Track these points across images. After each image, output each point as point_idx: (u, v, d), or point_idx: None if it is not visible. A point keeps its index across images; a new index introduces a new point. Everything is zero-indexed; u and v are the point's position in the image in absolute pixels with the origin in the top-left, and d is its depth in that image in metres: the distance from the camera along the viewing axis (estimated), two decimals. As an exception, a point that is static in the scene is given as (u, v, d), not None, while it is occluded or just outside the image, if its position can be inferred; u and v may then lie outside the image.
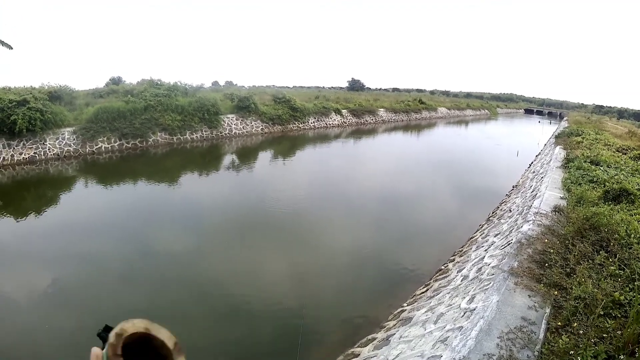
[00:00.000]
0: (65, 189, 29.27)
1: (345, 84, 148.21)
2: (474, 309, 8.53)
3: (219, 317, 13.27)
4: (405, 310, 12.65)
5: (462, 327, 8.07)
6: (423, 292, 13.79)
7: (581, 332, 6.74)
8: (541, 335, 6.96)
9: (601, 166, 21.04)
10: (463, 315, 8.78)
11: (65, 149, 38.65)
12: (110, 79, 67.51)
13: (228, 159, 42.04)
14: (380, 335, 11.25)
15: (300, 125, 65.19)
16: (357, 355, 10.52)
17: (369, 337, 11.54)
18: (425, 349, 8.21)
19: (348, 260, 17.87)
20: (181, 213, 23.60)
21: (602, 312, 7.08)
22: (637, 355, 6.23)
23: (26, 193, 28.78)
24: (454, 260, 16.33)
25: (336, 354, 11.14)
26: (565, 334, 6.73)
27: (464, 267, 13.68)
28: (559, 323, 7.24)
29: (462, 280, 12.21)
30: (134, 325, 1.67)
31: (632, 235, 10.57)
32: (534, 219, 13.06)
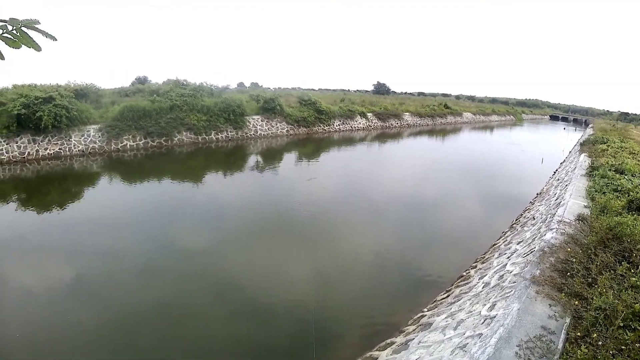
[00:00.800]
0: (90, 184, 29.62)
1: (370, 87, 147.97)
2: (494, 317, 8.48)
3: (238, 315, 13.28)
4: (426, 315, 12.61)
5: (481, 334, 8.04)
6: (444, 298, 13.74)
7: (600, 343, 6.64)
8: (560, 346, 6.89)
9: (626, 175, 20.70)
10: (483, 322, 8.74)
11: (91, 145, 39.24)
12: (136, 79, 68.24)
13: (253, 159, 42.18)
14: (400, 339, 11.23)
15: (326, 128, 65.27)
16: (375, 359, 10.51)
17: (388, 341, 11.52)
18: (444, 355, 8.19)
19: (370, 263, 17.85)
20: (204, 212, 23.69)
21: (621, 324, 6.96)
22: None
23: (50, 187, 29.13)
24: (476, 266, 16.24)
25: (354, 356, 11.13)
26: (584, 345, 6.65)
27: (486, 274, 13.61)
28: (579, 333, 7.16)
29: (483, 287, 12.14)
30: None
31: (655, 247, 10.31)
32: (557, 227, 12.91)
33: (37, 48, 2.18)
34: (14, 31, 2.03)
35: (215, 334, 12.36)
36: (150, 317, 12.97)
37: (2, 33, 1.99)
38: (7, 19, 2.00)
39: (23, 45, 2.11)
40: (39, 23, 2.07)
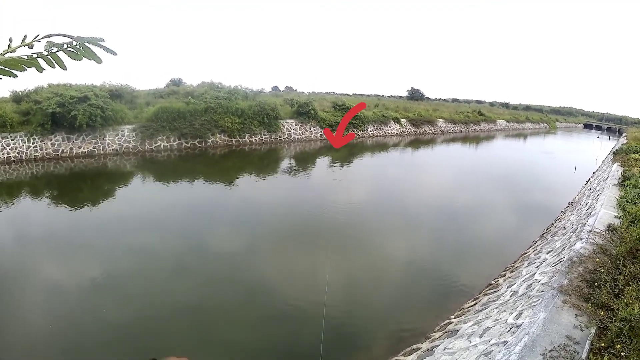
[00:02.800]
0: (122, 183, 30.10)
1: (404, 93, 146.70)
2: (520, 325, 8.43)
3: (264, 317, 13.32)
4: (452, 322, 12.56)
5: (506, 342, 7.99)
6: (471, 306, 13.68)
7: (623, 354, 6.55)
8: (584, 356, 6.79)
9: (658, 185, 20.34)
10: (509, 331, 8.69)
11: (125, 145, 39.93)
12: (170, 80, 68.36)
13: (286, 163, 42.27)
14: (425, 345, 11.20)
15: (359, 133, 65.04)
16: (400, 364, 10.51)
17: (414, 346, 11.49)
18: (468, 362, 8.15)
19: (399, 268, 17.86)
20: (235, 214, 23.89)
21: (646, 336, 6.91)
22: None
23: (82, 185, 29.64)
24: (504, 275, 16.14)
25: (380, 361, 11.07)
26: (607, 356, 6.58)
27: (514, 283, 13.51)
28: (603, 344, 7.02)
29: (511, 296, 12.06)
30: None
31: (684, 259, 10.16)
32: (587, 237, 12.73)
33: (98, 61, 2.28)
34: (78, 46, 2.13)
35: (243, 337, 12.40)
36: (177, 317, 13.03)
37: (67, 47, 2.10)
38: (74, 35, 2.12)
39: (84, 58, 2.22)
40: (103, 41, 2.17)
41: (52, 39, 2.05)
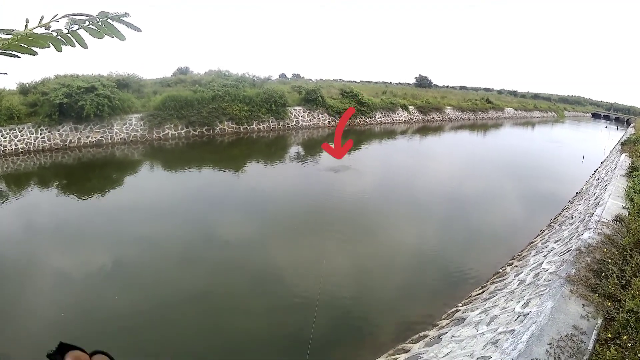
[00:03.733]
0: (131, 172, 30.33)
1: (412, 80, 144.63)
2: (528, 314, 8.46)
3: (270, 303, 13.40)
4: (460, 310, 12.62)
5: (514, 330, 8.03)
6: (479, 294, 13.74)
7: (629, 345, 6.61)
8: (590, 346, 6.84)
9: (666, 176, 20.24)
10: (516, 319, 8.72)
11: (132, 134, 40.10)
12: (177, 69, 68.20)
13: (294, 150, 42.47)
14: (433, 333, 11.28)
15: (367, 120, 65.24)
16: (408, 351, 10.54)
17: (421, 334, 11.58)
18: (476, 350, 8.23)
19: (407, 257, 17.92)
20: (243, 201, 23.99)
21: (652, 327, 6.93)
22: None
23: (91, 174, 29.81)
24: (512, 264, 16.18)
25: (387, 348, 11.21)
26: (614, 347, 6.61)
27: (522, 272, 13.54)
28: (609, 335, 7.10)
29: (518, 285, 12.10)
30: None
31: (691, 250, 10.13)
32: (595, 227, 12.78)
33: (122, 37, 2.26)
34: (100, 23, 2.13)
35: (248, 323, 12.47)
36: (185, 305, 13.11)
37: (88, 24, 2.09)
38: (93, 16, 2.11)
39: (106, 35, 2.21)
40: (129, 16, 2.15)
41: (72, 17, 2.05)
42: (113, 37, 2.19)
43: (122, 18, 2.13)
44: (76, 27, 2.06)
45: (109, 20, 2.11)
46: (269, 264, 16.31)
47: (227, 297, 13.82)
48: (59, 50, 2.12)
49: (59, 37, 2.07)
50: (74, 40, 2.11)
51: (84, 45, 2.15)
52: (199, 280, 14.70)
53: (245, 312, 12.98)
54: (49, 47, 2.07)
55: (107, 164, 32.81)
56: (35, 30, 1.99)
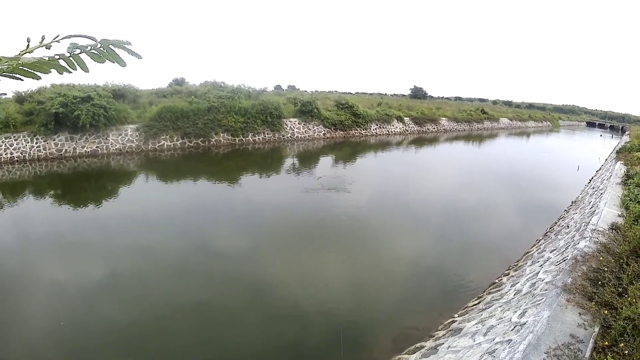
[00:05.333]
0: (126, 182, 30.26)
1: (407, 92, 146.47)
2: (524, 323, 8.45)
3: (266, 315, 13.33)
4: (456, 321, 12.60)
5: (510, 340, 8.03)
6: (475, 304, 13.71)
7: (627, 352, 6.59)
8: (587, 354, 6.82)
9: (661, 184, 20.23)
10: (513, 329, 8.73)
11: (128, 144, 40.19)
12: (173, 80, 68.58)
13: (289, 162, 42.29)
14: (429, 344, 11.23)
15: (362, 132, 65.28)
16: (403, 362, 10.54)
17: (417, 345, 11.53)
18: (473, 360, 8.19)
19: (403, 267, 17.89)
20: (239, 213, 23.90)
21: (649, 335, 6.93)
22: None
23: (86, 184, 29.83)
24: (508, 274, 16.15)
25: (384, 358, 11.20)
26: (611, 354, 6.60)
27: (518, 282, 13.54)
28: (606, 343, 7.06)
29: (515, 295, 12.10)
30: None
31: (688, 258, 10.14)
32: (591, 235, 12.76)
33: (122, 64, 2.28)
34: (101, 48, 2.13)
35: (244, 335, 12.44)
36: (182, 317, 13.09)
37: (90, 49, 2.10)
38: (96, 37, 2.12)
39: (107, 61, 2.22)
40: (130, 44, 2.17)
41: (74, 40, 2.06)
42: (114, 63, 2.20)
43: (124, 45, 2.14)
44: (78, 51, 2.07)
45: (110, 46, 2.12)
46: (265, 276, 16.26)
47: (223, 309, 13.78)
48: (60, 73, 2.14)
49: (61, 61, 2.08)
50: (76, 64, 2.12)
51: (85, 69, 2.17)
52: (194, 292, 14.66)
53: (241, 324, 12.94)
54: (51, 72, 2.09)
55: (103, 174, 32.80)
56: (36, 51, 2.00)
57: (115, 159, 37.28)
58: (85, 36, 2.09)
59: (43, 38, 2.02)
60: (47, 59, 2.01)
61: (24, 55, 1.98)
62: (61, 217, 22.18)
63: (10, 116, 34.49)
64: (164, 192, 28.40)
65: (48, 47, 2.01)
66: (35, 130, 35.12)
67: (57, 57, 2.04)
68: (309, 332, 12.66)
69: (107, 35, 2.15)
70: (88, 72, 2.20)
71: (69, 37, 2.05)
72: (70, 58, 2.07)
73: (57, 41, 2.02)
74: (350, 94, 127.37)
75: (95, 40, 2.09)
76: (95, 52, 2.11)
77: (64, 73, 2.15)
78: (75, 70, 2.13)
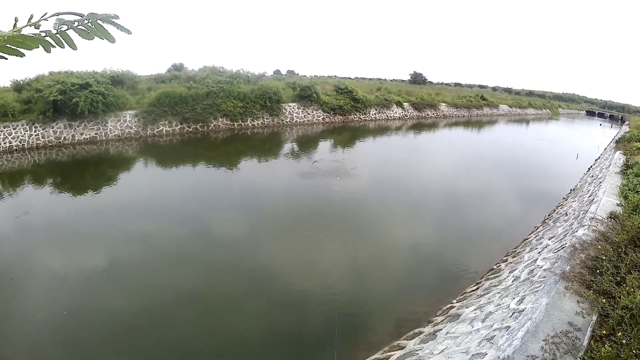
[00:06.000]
0: (125, 169, 30.34)
1: (407, 77, 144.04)
2: (523, 310, 8.49)
3: (266, 301, 13.41)
4: (455, 307, 12.65)
5: (509, 327, 8.06)
6: (473, 290, 13.78)
7: (624, 342, 6.60)
8: (585, 342, 6.85)
9: (660, 174, 20.21)
10: (511, 316, 8.77)
11: (127, 130, 40.21)
12: (172, 65, 68.21)
13: (288, 146, 42.39)
14: (428, 329, 11.30)
15: (362, 116, 65.33)
16: (403, 348, 10.55)
17: (416, 330, 11.60)
18: (471, 346, 8.25)
19: (401, 254, 17.93)
20: (238, 198, 24.01)
21: (647, 324, 6.95)
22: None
23: (85, 171, 29.88)
24: (506, 260, 16.21)
25: (382, 345, 11.22)
26: (609, 343, 6.61)
27: (516, 268, 13.57)
28: (604, 331, 7.12)
29: (513, 281, 12.15)
30: None
31: (686, 248, 10.14)
32: (589, 224, 12.76)
33: (111, 40, 2.25)
34: (89, 24, 2.11)
35: (241, 322, 12.48)
36: (182, 305, 13.12)
37: (78, 25, 2.07)
38: (83, 15, 2.10)
39: (96, 37, 2.19)
40: (118, 18, 2.14)
41: (61, 16, 2.04)
42: (103, 39, 2.18)
43: (112, 20, 2.12)
44: (65, 27, 2.05)
45: (98, 21, 2.09)
46: (264, 263, 16.27)
47: (223, 297, 13.78)
48: (47, 51, 2.10)
49: (48, 38, 2.05)
50: (63, 41, 2.09)
51: (73, 46, 2.13)
52: (194, 280, 14.66)
53: (241, 312, 12.96)
54: (38, 48, 2.05)
55: (102, 161, 32.81)
56: (24, 30, 1.97)
57: (114, 145, 37.25)
58: (74, 13, 2.06)
59: (31, 16, 2.00)
60: (33, 35, 2.00)
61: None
62: (60, 205, 22.21)
63: (9, 105, 34.38)
64: (163, 178, 28.46)
65: (37, 26, 1.99)
66: (33, 119, 34.99)
67: (42, 34, 2.02)
68: (307, 319, 12.73)
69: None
70: (76, 49, 2.17)
71: (57, 14, 2.02)
72: (57, 35, 2.05)
73: (46, 19, 1.99)
74: (350, 79, 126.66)
75: (83, 16, 2.07)
76: (83, 27, 2.08)
77: (52, 51, 2.12)
78: (63, 47, 2.11)
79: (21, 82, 38.93)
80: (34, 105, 35.76)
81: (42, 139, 35.04)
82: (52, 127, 35.84)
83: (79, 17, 2.05)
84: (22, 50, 2.00)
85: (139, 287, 14.11)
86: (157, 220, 19.94)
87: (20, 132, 34.29)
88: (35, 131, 34.97)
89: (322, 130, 54.15)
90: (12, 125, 34.07)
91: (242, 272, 15.36)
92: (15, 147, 33.54)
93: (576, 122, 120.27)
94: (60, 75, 38.58)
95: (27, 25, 1.97)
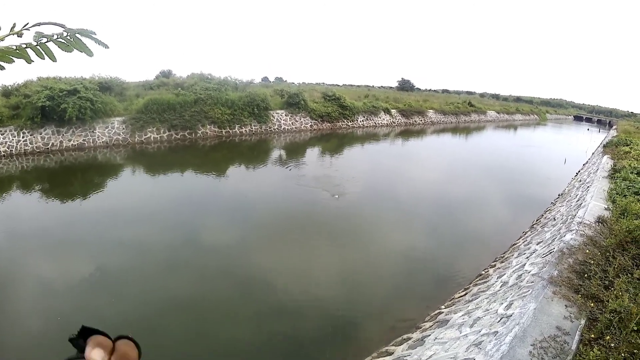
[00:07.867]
0: (112, 176, 30.12)
1: (394, 84, 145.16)
2: (511, 315, 8.52)
3: (257, 308, 13.32)
4: (443, 312, 12.67)
5: (497, 332, 8.09)
6: (461, 296, 13.80)
7: (613, 345, 6.67)
8: (574, 347, 6.89)
9: (647, 178, 20.32)
10: (499, 321, 8.79)
11: (115, 137, 40.04)
12: (160, 72, 68.13)
13: (276, 153, 42.40)
14: (416, 335, 11.30)
15: (350, 124, 65.43)
16: (391, 354, 10.56)
17: (404, 336, 11.58)
18: (459, 352, 8.25)
19: (389, 259, 17.90)
20: (226, 205, 23.96)
21: (635, 328, 6.97)
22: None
23: (73, 178, 29.71)
24: (494, 265, 16.26)
25: (370, 351, 11.21)
26: (597, 347, 6.68)
27: (504, 273, 13.61)
28: (593, 335, 7.16)
29: (501, 286, 12.17)
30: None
31: (674, 251, 10.20)
32: (577, 228, 12.85)
33: (90, 53, 2.25)
34: (68, 37, 2.11)
35: (234, 328, 12.46)
36: (172, 312, 13.06)
37: (57, 38, 2.08)
38: (65, 25, 2.10)
39: (75, 50, 2.19)
40: (95, 34, 2.15)
41: (41, 28, 2.03)
42: (82, 52, 2.18)
43: (90, 35, 2.13)
44: (45, 40, 2.05)
45: (77, 35, 2.10)
46: (256, 270, 16.22)
47: (214, 303, 13.74)
48: (28, 62, 2.11)
49: (28, 50, 2.06)
50: (44, 53, 2.10)
51: (53, 58, 2.14)
52: (184, 287, 14.58)
53: (233, 318, 12.93)
54: (14, 62, 2.06)
55: (90, 168, 32.63)
56: (6, 39, 1.97)
57: (102, 152, 37.14)
58: (55, 23, 2.06)
59: (14, 25, 2.00)
60: (14, 48, 2.00)
61: None
62: (48, 211, 22.06)
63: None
64: (150, 185, 28.38)
65: (20, 35, 2.00)
66: (22, 124, 34.86)
67: (23, 46, 2.03)
68: (298, 325, 12.66)
69: (94, 26, 2.14)
70: (56, 61, 2.18)
71: (39, 24, 2.03)
72: (38, 47, 2.06)
73: (27, 29, 2.00)
74: (338, 86, 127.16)
75: (64, 27, 2.07)
76: (63, 40, 2.09)
77: (41, 62, 2.13)
78: (43, 59, 2.12)
79: (9, 87, 38.70)
80: (22, 111, 35.60)
81: (30, 145, 34.88)
82: (40, 133, 35.64)
83: (59, 30, 2.06)
84: (2, 64, 2.01)
85: (128, 294, 13.98)
86: (145, 227, 19.87)
87: (8, 138, 34.11)
88: (23, 137, 34.76)
89: (310, 137, 54.33)
90: (0, 131, 33.88)
91: (231, 279, 15.32)
92: (3, 153, 33.32)
93: (564, 127, 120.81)
94: (48, 81, 38.40)
95: (9, 34, 1.97)
